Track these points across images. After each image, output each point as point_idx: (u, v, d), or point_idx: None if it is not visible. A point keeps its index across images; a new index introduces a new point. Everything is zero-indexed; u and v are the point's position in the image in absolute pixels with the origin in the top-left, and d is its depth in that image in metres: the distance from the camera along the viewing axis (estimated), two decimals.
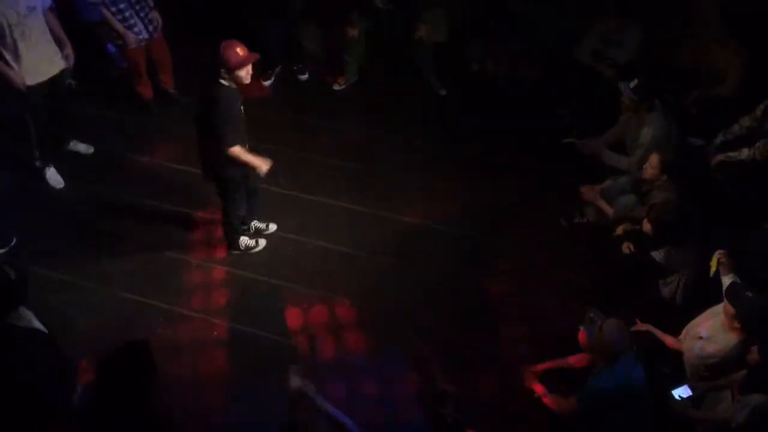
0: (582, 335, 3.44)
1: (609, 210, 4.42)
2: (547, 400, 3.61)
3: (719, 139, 4.61)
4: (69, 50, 4.79)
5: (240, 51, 3.82)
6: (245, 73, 3.89)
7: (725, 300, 3.41)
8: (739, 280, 3.54)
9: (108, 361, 2.69)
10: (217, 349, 4.16)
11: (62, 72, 4.77)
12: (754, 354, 3.19)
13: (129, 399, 2.67)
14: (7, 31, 4.31)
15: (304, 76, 6.24)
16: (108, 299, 4.38)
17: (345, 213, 4.96)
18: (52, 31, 4.65)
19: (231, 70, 3.82)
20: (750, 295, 3.38)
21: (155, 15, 5.34)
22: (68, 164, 5.24)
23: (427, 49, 5.87)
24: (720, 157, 4.51)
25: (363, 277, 4.55)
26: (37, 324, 3.16)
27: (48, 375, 3.03)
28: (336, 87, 6.16)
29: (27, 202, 4.99)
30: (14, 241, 4.66)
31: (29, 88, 4.55)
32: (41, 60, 4.56)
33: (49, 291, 4.35)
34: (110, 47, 5.61)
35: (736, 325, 3.34)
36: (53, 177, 5.09)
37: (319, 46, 6.39)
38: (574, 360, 3.77)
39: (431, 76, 6.04)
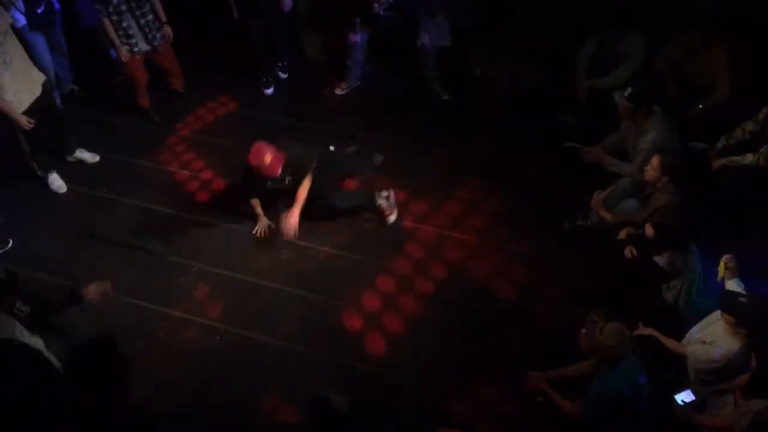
0: (583, 337, 3.43)
1: (609, 216, 4.42)
2: (553, 396, 3.60)
3: (721, 143, 4.60)
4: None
5: (267, 159, 4.37)
6: (274, 177, 4.49)
7: (721, 310, 3.42)
8: (743, 285, 3.54)
9: (75, 360, 2.68)
10: (219, 355, 4.15)
11: (44, 85, 4.76)
12: (753, 360, 3.19)
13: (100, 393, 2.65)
14: None
15: (284, 75, 6.28)
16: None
17: (346, 217, 4.96)
18: None
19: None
20: (743, 299, 3.38)
21: (167, 30, 5.37)
22: (70, 169, 5.27)
23: (429, 54, 5.87)
24: (723, 161, 4.50)
25: (365, 282, 4.54)
26: (25, 337, 3.12)
27: (27, 394, 2.97)
28: (338, 92, 6.17)
29: (29, 207, 5.01)
30: (10, 243, 4.68)
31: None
32: (25, 81, 4.55)
33: (51, 296, 4.36)
34: (113, 52, 5.64)
35: (739, 329, 3.33)
36: (56, 182, 5.11)
37: (321, 51, 6.41)
38: (575, 370, 3.76)
39: (434, 81, 6.05)
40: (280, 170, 4.43)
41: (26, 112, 4.57)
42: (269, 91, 6.16)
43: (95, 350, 2.69)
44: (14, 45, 4.45)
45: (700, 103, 4.91)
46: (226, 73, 6.37)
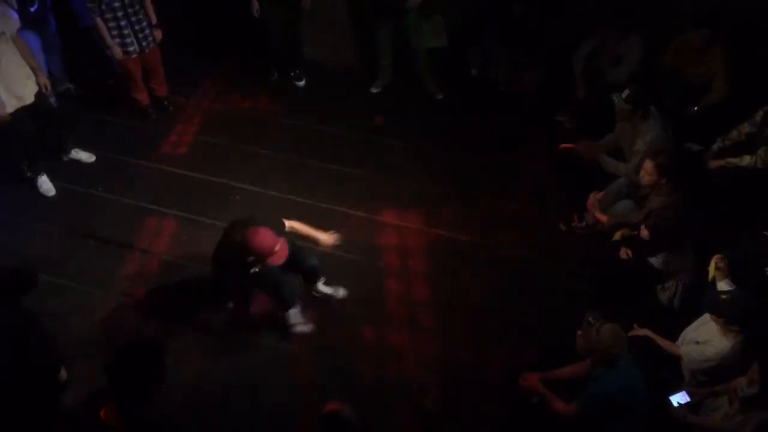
0: (579, 338, 3.43)
1: (604, 218, 4.42)
2: (548, 397, 3.60)
3: (717, 145, 4.61)
4: (42, 78, 4.79)
5: (268, 240, 3.64)
6: (276, 258, 3.71)
7: (707, 312, 3.43)
8: (734, 285, 3.54)
9: (122, 355, 2.74)
10: (215, 354, 4.15)
11: (39, 94, 4.73)
12: (754, 372, 3.17)
13: (134, 396, 2.72)
14: None
15: (301, 83, 6.25)
16: (106, 303, 4.38)
17: (344, 217, 4.96)
18: (22, 56, 4.61)
19: (263, 258, 3.68)
20: (725, 297, 3.41)
21: (156, 33, 5.35)
22: (66, 169, 5.26)
23: (424, 54, 5.87)
24: (720, 162, 4.51)
25: (361, 282, 4.54)
26: None
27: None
28: (374, 90, 6.16)
29: (25, 207, 5.00)
30: None
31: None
32: (14, 86, 4.53)
33: (47, 295, 4.34)
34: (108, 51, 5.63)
35: (731, 327, 3.35)
36: (44, 185, 5.09)
37: (317, 49, 6.38)
38: (571, 370, 3.76)
39: (428, 81, 6.04)
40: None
41: (11, 115, 4.57)
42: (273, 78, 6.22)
43: (141, 353, 2.80)
44: (8, 49, 4.44)
45: (696, 105, 4.92)
46: (222, 72, 6.38)
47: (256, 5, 5.65)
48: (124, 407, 2.70)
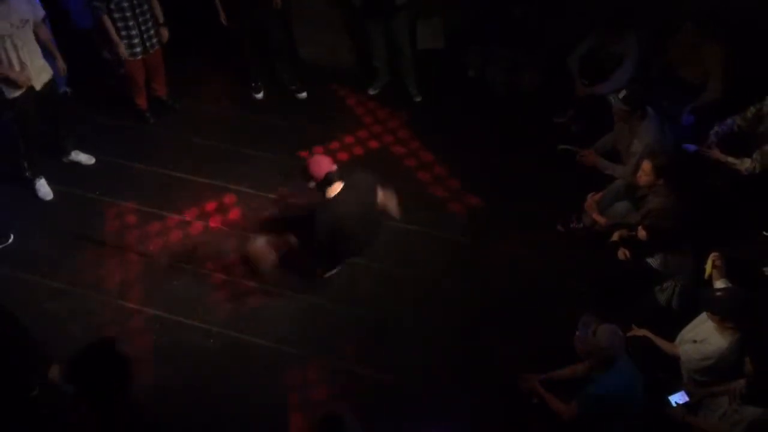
0: (577, 340, 3.42)
1: (602, 220, 4.41)
2: (547, 398, 3.59)
3: (712, 138, 4.56)
4: (61, 63, 4.85)
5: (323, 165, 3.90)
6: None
7: (703, 309, 3.42)
8: (730, 285, 3.53)
9: (78, 361, 2.73)
10: (213, 357, 4.15)
11: (51, 82, 4.76)
12: (748, 365, 3.17)
13: (105, 396, 2.70)
14: None
15: (303, 95, 6.20)
16: (103, 306, 4.38)
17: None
18: (43, 43, 4.69)
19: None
20: (719, 294, 3.41)
21: (163, 31, 5.36)
22: (64, 172, 5.27)
23: (408, 55, 5.86)
24: (720, 157, 4.45)
25: (360, 283, 4.54)
26: None
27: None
28: (371, 92, 6.16)
29: (23, 208, 5.00)
30: (11, 238, 4.73)
31: (17, 97, 4.56)
32: (31, 71, 4.56)
33: (44, 298, 4.38)
34: (107, 53, 5.62)
35: (726, 324, 3.34)
36: (42, 189, 5.09)
37: (315, 49, 6.38)
38: (570, 371, 3.75)
39: (409, 82, 6.04)
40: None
41: (23, 96, 4.58)
42: (259, 96, 6.14)
43: (97, 354, 2.75)
44: (28, 35, 4.49)
45: (691, 104, 4.90)
46: (220, 75, 6.38)
47: (222, 14, 5.62)
48: (98, 406, 2.71)
